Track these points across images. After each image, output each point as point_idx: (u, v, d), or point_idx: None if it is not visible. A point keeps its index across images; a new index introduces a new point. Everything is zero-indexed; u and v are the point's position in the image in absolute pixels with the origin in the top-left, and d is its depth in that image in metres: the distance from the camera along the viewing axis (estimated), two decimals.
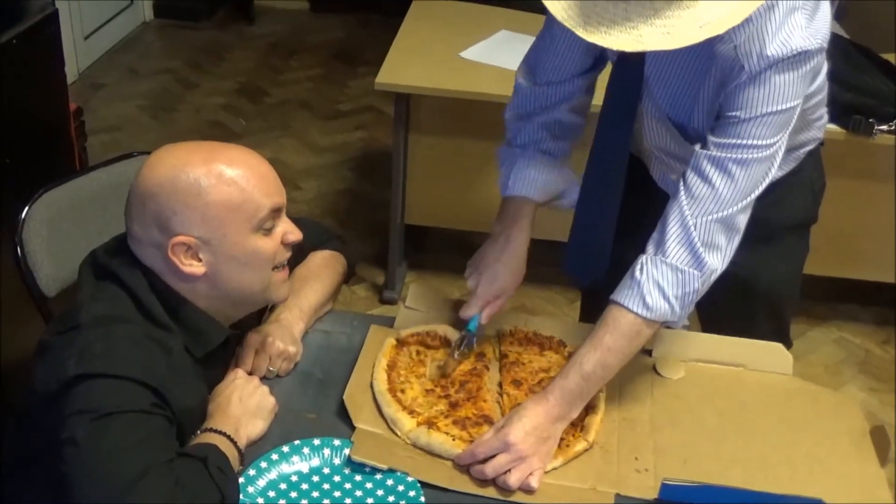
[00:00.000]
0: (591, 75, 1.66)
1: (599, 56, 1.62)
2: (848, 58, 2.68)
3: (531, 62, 1.66)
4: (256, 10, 5.65)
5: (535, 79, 1.64)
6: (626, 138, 1.65)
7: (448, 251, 3.29)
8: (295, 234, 1.45)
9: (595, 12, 1.27)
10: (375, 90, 2.88)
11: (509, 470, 1.37)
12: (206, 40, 5.32)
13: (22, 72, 2.31)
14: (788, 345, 2.09)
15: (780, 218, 1.42)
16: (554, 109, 1.65)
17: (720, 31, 1.24)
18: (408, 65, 2.92)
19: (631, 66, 1.52)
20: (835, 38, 2.73)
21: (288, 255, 1.47)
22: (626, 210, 1.69)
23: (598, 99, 1.69)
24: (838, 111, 2.66)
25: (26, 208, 1.68)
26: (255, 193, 1.37)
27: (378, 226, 3.41)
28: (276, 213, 1.42)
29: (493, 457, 1.37)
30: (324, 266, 1.71)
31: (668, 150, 1.68)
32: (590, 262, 1.75)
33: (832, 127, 2.68)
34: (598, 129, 1.70)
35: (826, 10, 1.37)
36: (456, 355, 1.58)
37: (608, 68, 1.63)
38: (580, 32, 1.28)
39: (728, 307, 1.44)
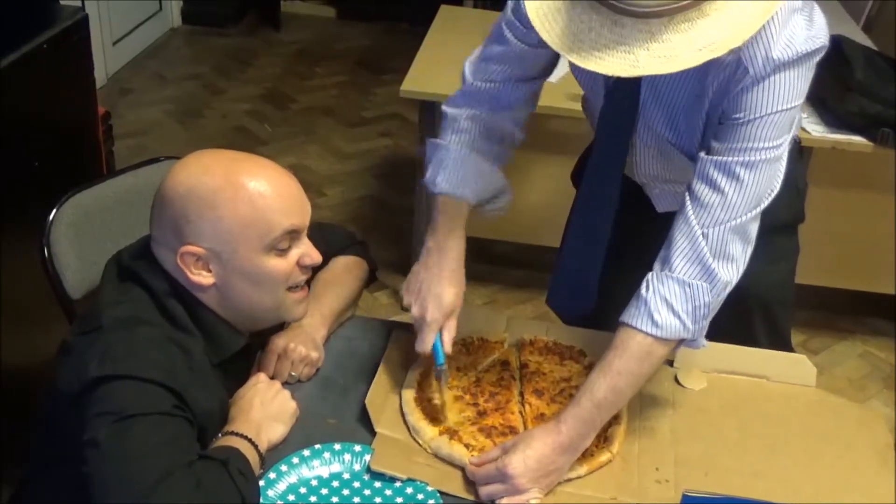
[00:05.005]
0: (535, 83, 1.61)
1: (547, 65, 1.58)
2: (876, 69, 2.66)
3: (478, 61, 1.59)
4: (283, 17, 5.69)
5: (481, 76, 1.58)
6: (618, 166, 1.62)
7: (470, 259, 3.27)
8: (312, 258, 1.43)
9: (589, 38, 1.24)
10: (400, 98, 2.88)
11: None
12: (233, 47, 5.36)
13: (51, 76, 2.33)
14: (789, 351, 2.07)
15: (766, 219, 1.40)
16: (495, 114, 1.59)
17: (720, 53, 1.21)
18: (433, 73, 2.92)
19: (626, 90, 1.49)
20: (863, 50, 2.75)
21: (304, 277, 1.45)
22: (617, 238, 1.67)
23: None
24: (865, 123, 2.64)
25: (53, 211, 1.69)
26: (269, 212, 1.36)
27: (401, 232, 3.41)
28: (292, 234, 1.39)
29: None
30: (346, 272, 1.72)
31: (663, 178, 1.66)
32: (576, 296, 1.73)
33: (859, 139, 2.67)
34: (590, 158, 1.68)
35: (819, 10, 1.35)
36: (436, 399, 1.52)
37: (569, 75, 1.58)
38: (574, 58, 1.25)
39: (721, 314, 1.41)
